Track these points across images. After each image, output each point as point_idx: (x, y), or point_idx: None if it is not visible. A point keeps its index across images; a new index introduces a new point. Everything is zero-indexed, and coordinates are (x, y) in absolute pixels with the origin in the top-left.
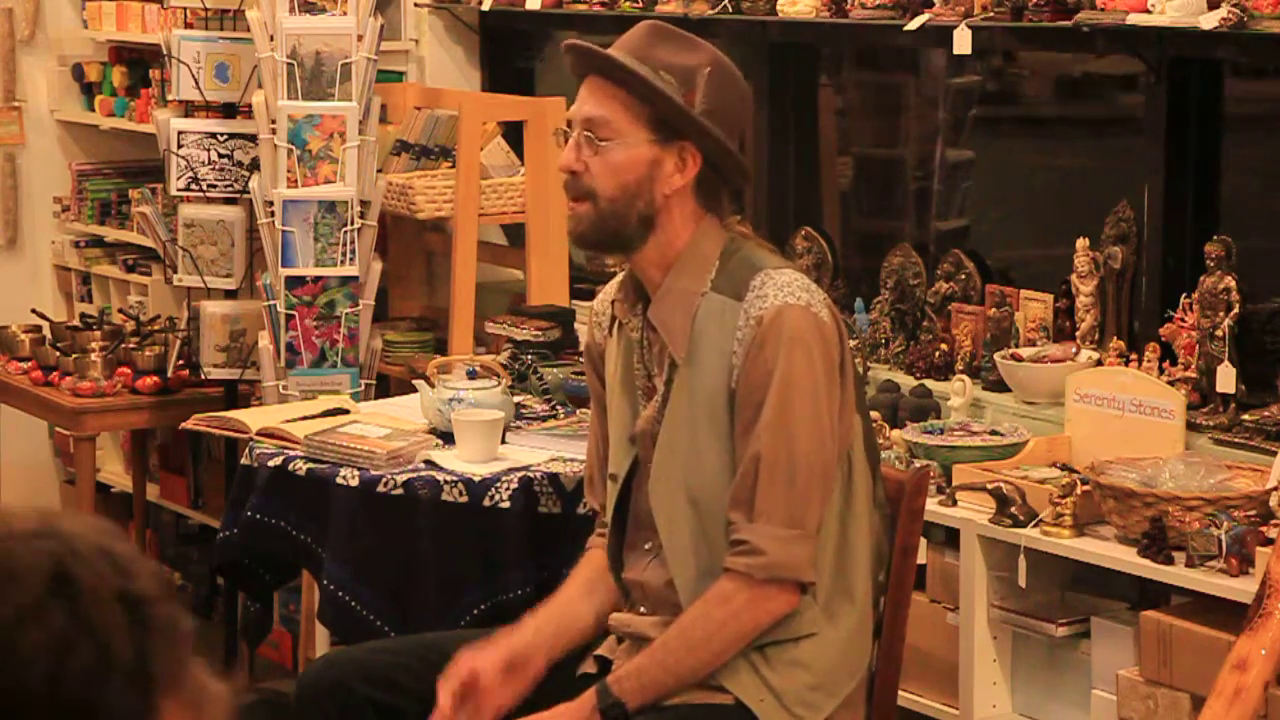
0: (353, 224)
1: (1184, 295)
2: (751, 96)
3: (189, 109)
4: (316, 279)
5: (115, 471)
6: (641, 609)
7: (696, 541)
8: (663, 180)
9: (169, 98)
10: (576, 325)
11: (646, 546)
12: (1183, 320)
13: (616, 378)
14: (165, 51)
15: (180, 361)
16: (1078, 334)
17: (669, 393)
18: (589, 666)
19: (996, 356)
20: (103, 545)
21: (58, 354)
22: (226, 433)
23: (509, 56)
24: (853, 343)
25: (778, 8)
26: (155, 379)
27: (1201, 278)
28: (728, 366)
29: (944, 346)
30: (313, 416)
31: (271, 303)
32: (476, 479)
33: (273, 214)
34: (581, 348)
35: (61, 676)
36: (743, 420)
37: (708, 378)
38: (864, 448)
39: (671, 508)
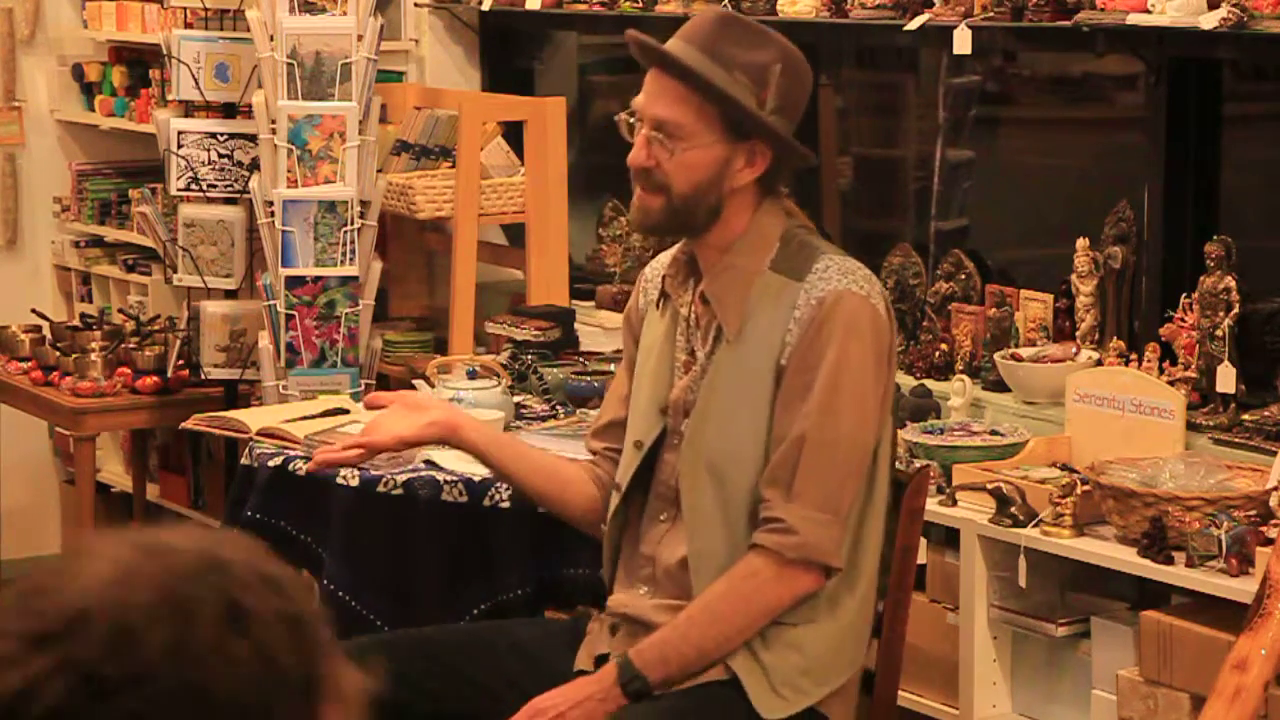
0: (353, 224)
1: (1184, 295)
2: (812, 80)
3: (189, 109)
4: (316, 279)
5: (115, 471)
6: (644, 589)
7: (717, 514)
8: (732, 176)
9: (169, 98)
10: (577, 325)
11: (663, 518)
12: (1183, 320)
13: (654, 349)
14: (165, 51)
15: (180, 361)
16: (1078, 334)
17: (709, 365)
18: (585, 664)
19: (996, 356)
20: (260, 569)
21: (58, 354)
22: (226, 433)
23: (509, 56)
24: None
25: (778, 8)
26: (155, 379)
27: (1201, 278)
28: (779, 344)
29: (944, 346)
30: (313, 416)
31: (271, 303)
32: (476, 479)
33: (273, 214)
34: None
35: (252, 705)
36: (788, 397)
37: (754, 354)
38: (889, 448)
39: (695, 477)
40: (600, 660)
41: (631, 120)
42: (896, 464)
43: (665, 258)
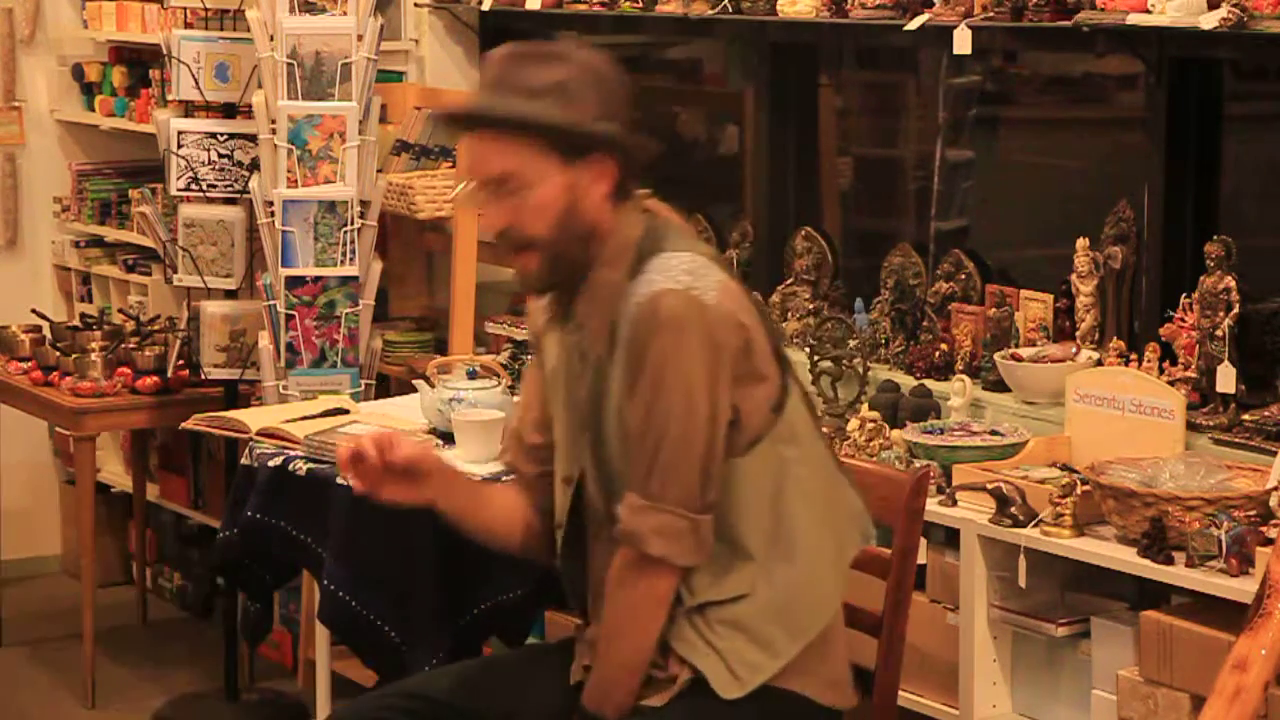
0: (353, 224)
1: (1184, 295)
2: (626, 78)
3: (189, 109)
4: (316, 279)
5: (115, 471)
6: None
7: None
8: (586, 197)
9: (169, 98)
10: None
11: (605, 542)
12: (1183, 320)
13: (555, 378)
14: (165, 51)
15: (180, 361)
16: (1078, 334)
17: (602, 387)
18: (579, 675)
19: (996, 356)
20: None
21: (58, 354)
22: (226, 433)
23: None
24: (852, 342)
25: (778, 8)
26: (155, 379)
27: (1201, 278)
28: None
29: (944, 346)
30: (313, 416)
31: (271, 303)
32: (476, 479)
33: (273, 214)
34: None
35: None
36: (621, 399)
37: (620, 366)
38: (807, 414)
39: (610, 496)
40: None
41: (471, 189)
42: (895, 461)
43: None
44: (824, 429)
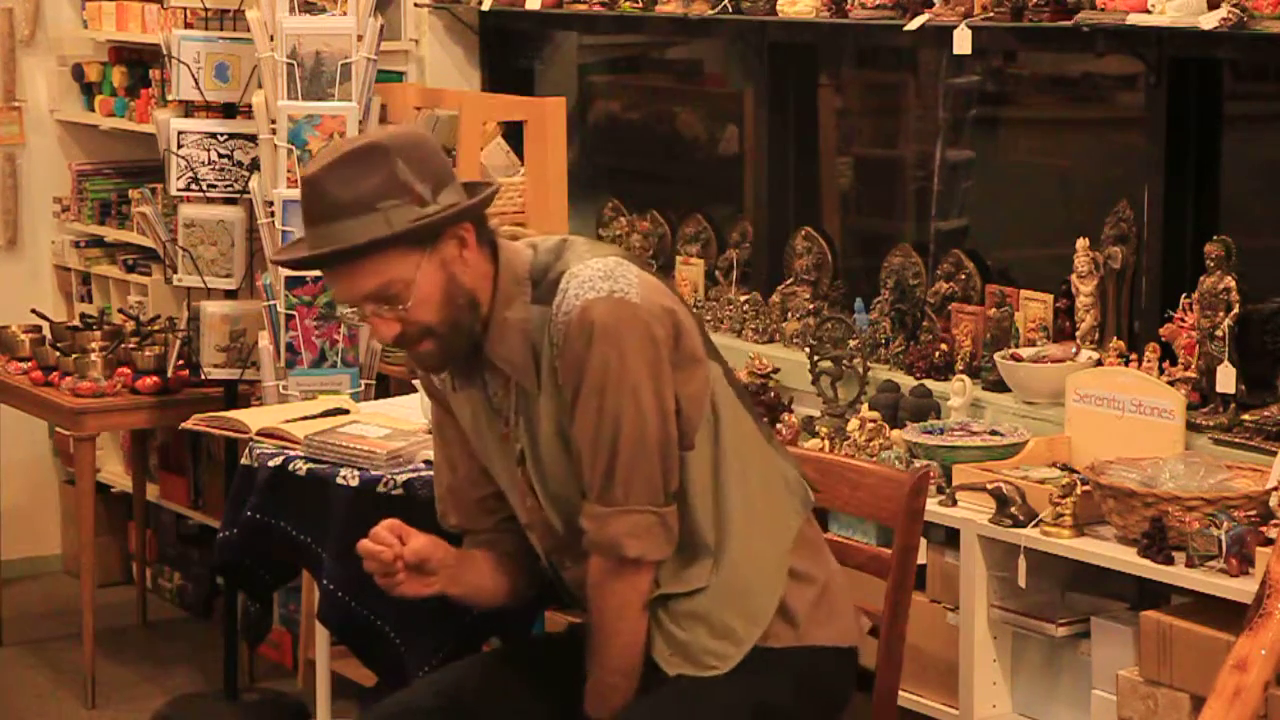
0: None
1: (1184, 295)
2: (430, 136)
3: (189, 109)
4: (316, 279)
5: (115, 471)
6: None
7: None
8: (461, 269)
9: (169, 98)
10: None
11: (568, 564)
12: (1183, 320)
13: (482, 433)
14: (165, 51)
15: (180, 361)
16: (1078, 334)
17: (530, 425)
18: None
19: (996, 356)
20: None
21: (58, 354)
22: (226, 433)
23: (509, 56)
24: (852, 342)
25: (778, 8)
26: (155, 379)
27: (1201, 278)
28: (553, 371)
29: (944, 346)
30: (313, 416)
31: (271, 303)
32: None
33: (273, 214)
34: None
35: None
36: (570, 414)
37: (548, 392)
38: (731, 393)
39: (557, 523)
40: None
41: (351, 312)
42: (895, 461)
43: None
44: (750, 402)
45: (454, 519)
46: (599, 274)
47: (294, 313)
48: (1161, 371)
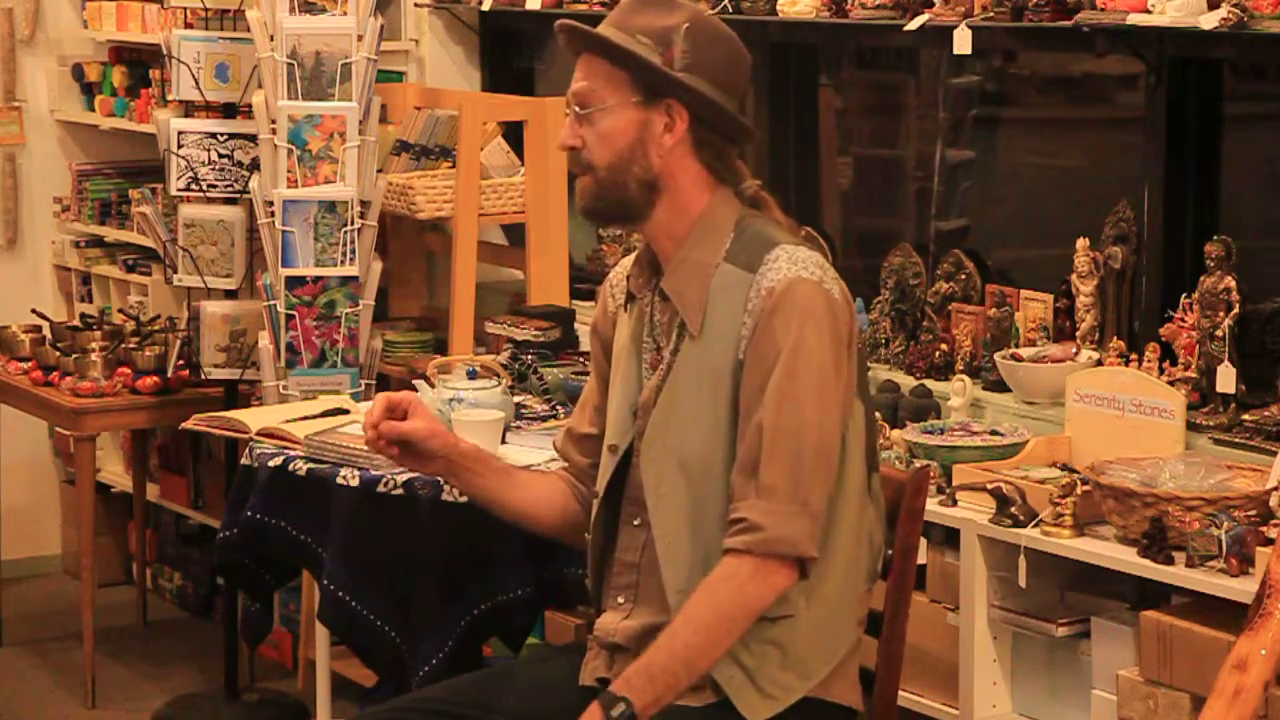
0: (353, 224)
1: (1184, 295)
2: (746, 55)
3: (189, 109)
4: (316, 279)
5: (115, 471)
6: (621, 599)
7: (685, 513)
8: (654, 141)
9: (169, 98)
10: (577, 325)
11: (636, 522)
12: (1183, 320)
13: (624, 352)
14: (165, 51)
15: (180, 361)
16: (1078, 334)
17: (674, 362)
18: (588, 681)
19: (996, 356)
20: None
21: (58, 354)
22: (226, 433)
23: (509, 56)
24: None
25: (778, 8)
26: (155, 379)
27: (1201, 278)
28: (736, 339)
29: (944, 346)
30: (313, 416)
31: (271, 303)
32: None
33: (273, 214)
34: (590, 322)
35: None
36: (749, 389)
37: (716, 350)
38: (863, 435)
39: (660, 475)
40: (602, 682)
41: (568, 110)
42: (894, 461)
43: (628, 261)
44: (876, 457)
45: (560, 444)
46: (814, 261)
47: (294, 313)
48: (1161, 371)
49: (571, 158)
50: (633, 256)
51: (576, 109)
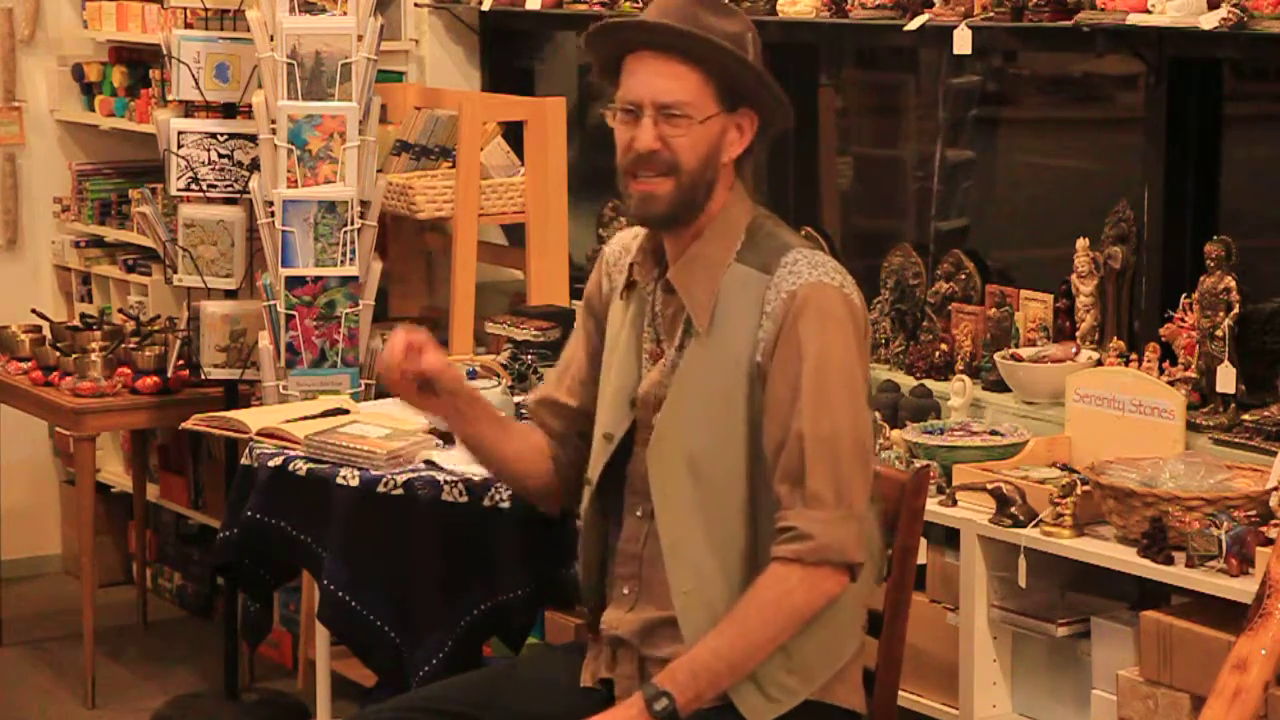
0: (353, 224)
1: (1184, 295)
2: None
3: (189, 109)
4: (316, 279)
5: (115, 471)
6: (626, 589)
7: (693, 508)
8: (727, 148)
9: (169, 98)
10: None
11: (639, 513)
12: (1183, 320)
13: (621, 338)
14: (165, 51)
15: (180, 361)
16: (1078, 334)
17: (680, 359)
18: (588, 682)
19: (996, 356)
20: None
21: (58, 354)
22: (226, 433)
23: (509, 56)
24: None
25: (778, 8)
26: (155, 379)
27: (1201, 278)
28: (752, 340)
29: (944, 346)
30: (313, 416)
31: (271, 303)
32: (476, 479)
33: (273, 214)
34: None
35: None
36: (778, 396)
37: (728, 349)
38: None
39: (669, 472)
40: (604, 683)
41: (630, 109)
42: (894, 461)
43: (627, 238)
44: (873, 465)
45: (532, 410)
46: (833, 266)
47: (294, 313)
48: (1161, 371)
49: (649, 159)
50: (631, 232)
51: (665, 113)
